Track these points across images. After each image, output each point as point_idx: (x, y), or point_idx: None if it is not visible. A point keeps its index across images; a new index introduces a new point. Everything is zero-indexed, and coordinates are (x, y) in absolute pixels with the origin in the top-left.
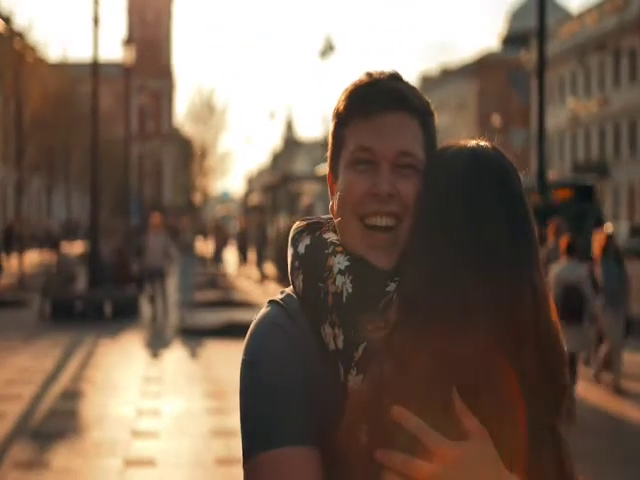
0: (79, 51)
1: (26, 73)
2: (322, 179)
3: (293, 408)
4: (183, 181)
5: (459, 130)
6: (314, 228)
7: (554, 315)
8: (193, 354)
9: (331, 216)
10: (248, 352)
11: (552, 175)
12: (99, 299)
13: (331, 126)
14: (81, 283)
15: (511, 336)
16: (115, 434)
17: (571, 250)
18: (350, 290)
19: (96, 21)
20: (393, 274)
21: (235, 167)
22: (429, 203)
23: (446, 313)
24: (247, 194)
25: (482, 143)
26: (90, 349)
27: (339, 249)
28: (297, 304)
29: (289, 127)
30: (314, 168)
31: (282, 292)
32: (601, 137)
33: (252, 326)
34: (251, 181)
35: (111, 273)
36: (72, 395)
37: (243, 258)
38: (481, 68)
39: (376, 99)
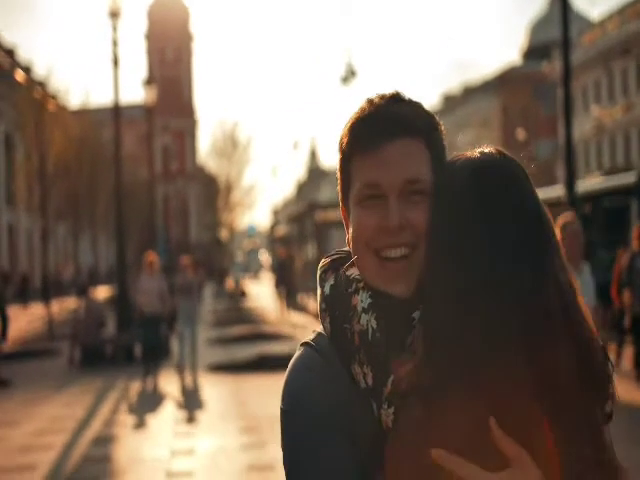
0: (99, 96)
1: (48, 122)
2: None
3: (335, 453)
4: (209, 218)
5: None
6: (338, 264)
7: (581, 305)
8: (225, 390)
9: None
10: (285, 401)
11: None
12: (128, 342)
13: (337, 161)
14: (111, 327)
15: (542, 336)
16: (150, 476)
17: None
18: (375, 327)
19: (116, 62)
20: (415, 302)
21: (260, 200)
22: (440, 223)
23: (470, 340)
24: (273, 226)
25: (486, 150)
26: (121, 393)
27: (361, 285)
28: (328, 343)
29: (313, 156)
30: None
31: (314, 332)
32: (626, 142)
33: (287, 372)
34: (277, 213)
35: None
36: (105, 440)
37: (286, 293)
38: (503, 83)
39: (376, 130)
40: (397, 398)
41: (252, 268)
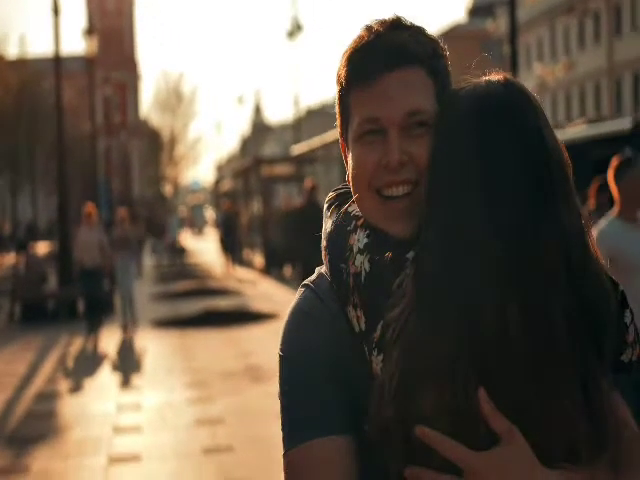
0: (37, 46)
1: None
2: (297, 160)
3: (324, 400)
4: (152, 173)
5: None
6: (342, 199)
7: (593, 252)
8: (170, 345)
9: None
10: (282, 346)
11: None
12: (71, 297)
13: (336, 93)
14: (53, 283)
15: (538, 283)
16: (96, 431)
17: None
18: (368, 269)
19: (56, 11)
20: (413, 242)
21: (204, 155)
22: (439, 157)
23: (462, 283)
24: (217, 182)
25: (493, 79)
26: (64, 349)
27: (360, 222)
28: (328, 284)
29: (257, 111)
30: (287, 151)
31: (317, 272)
32: (567, 101)
33: (286, 317)
34: (221, 168)
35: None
36: (49, 396)
37: (230, 248)
38: (448, 40)
39: (374, 61)
40: (385, 344)
41: (197, 224)
